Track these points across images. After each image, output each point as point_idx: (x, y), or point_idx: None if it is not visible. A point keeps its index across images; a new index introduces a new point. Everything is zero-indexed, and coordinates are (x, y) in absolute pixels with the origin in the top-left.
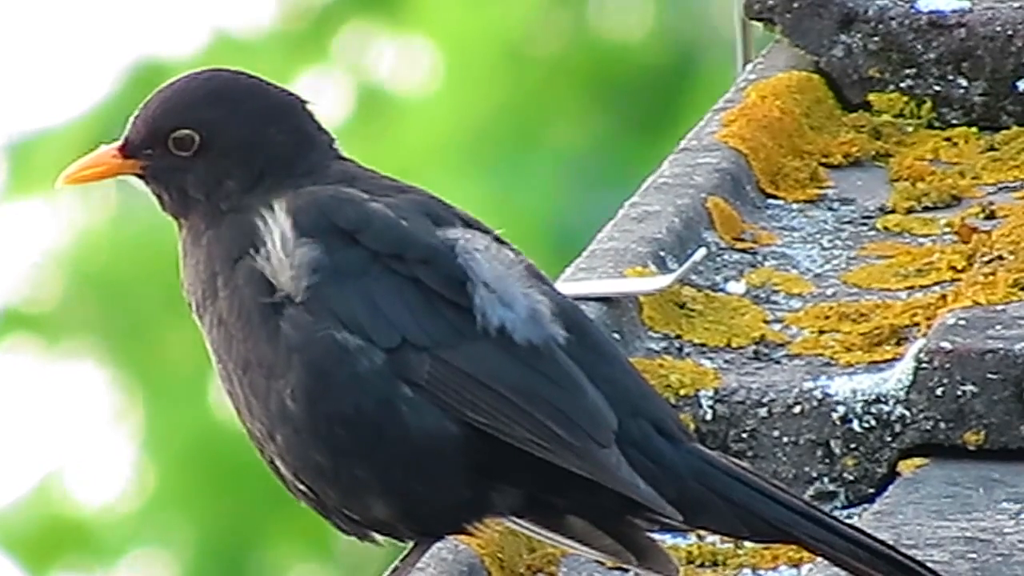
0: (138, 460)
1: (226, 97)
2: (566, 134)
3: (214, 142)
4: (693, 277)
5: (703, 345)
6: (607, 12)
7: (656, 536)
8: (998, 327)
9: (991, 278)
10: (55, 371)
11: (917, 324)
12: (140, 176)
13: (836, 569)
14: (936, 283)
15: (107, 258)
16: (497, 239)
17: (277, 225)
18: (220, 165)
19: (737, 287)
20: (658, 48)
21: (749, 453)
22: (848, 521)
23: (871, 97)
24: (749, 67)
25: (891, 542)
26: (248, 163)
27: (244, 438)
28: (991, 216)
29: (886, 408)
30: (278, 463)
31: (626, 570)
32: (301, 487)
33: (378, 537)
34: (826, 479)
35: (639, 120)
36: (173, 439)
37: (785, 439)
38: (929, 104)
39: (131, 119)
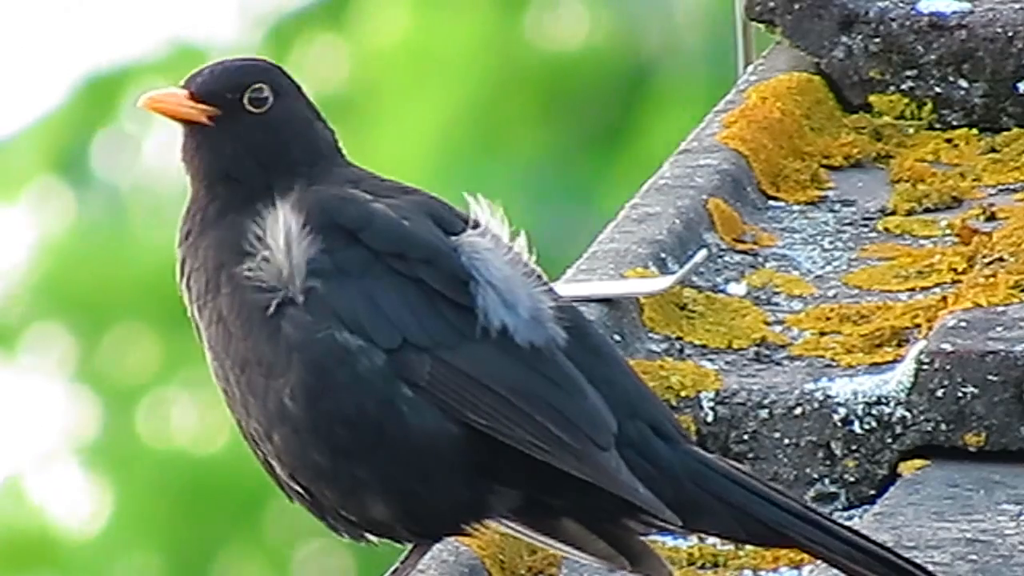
0: (99, 475)
1: (290, 77)
2: (524, 145)
3: (280, 108)
4: (694, 278)
5: (704, 346)
6: (564, 22)
7: (657, 538)
8: (999, 329)
9: (992, 280)
10: (16, 383)
11: (918, 326)
12: (204, 126)
13: (835, 571)
14: (937, 285)
15: (68, 270)
16: (500, 240)
17: (281, 223)
18: (286, 130)
19: (738, 288)
20: (615, 58)
21: (750, 455)
22: (845, 523)
23: (872, 98)
24: (750, 68)
25: (892, 543)
26: (309, 138)
27: (206, 454)
28: (992, 218)
29: (887, 409)
30: (273, 463)
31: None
32: (297, 487)
33: (372, 538)
34: (827, 480)
35: (596, 130)
36: (134, 454)
37: (786, 441)
38: (930, 105)
39: (188, 79)
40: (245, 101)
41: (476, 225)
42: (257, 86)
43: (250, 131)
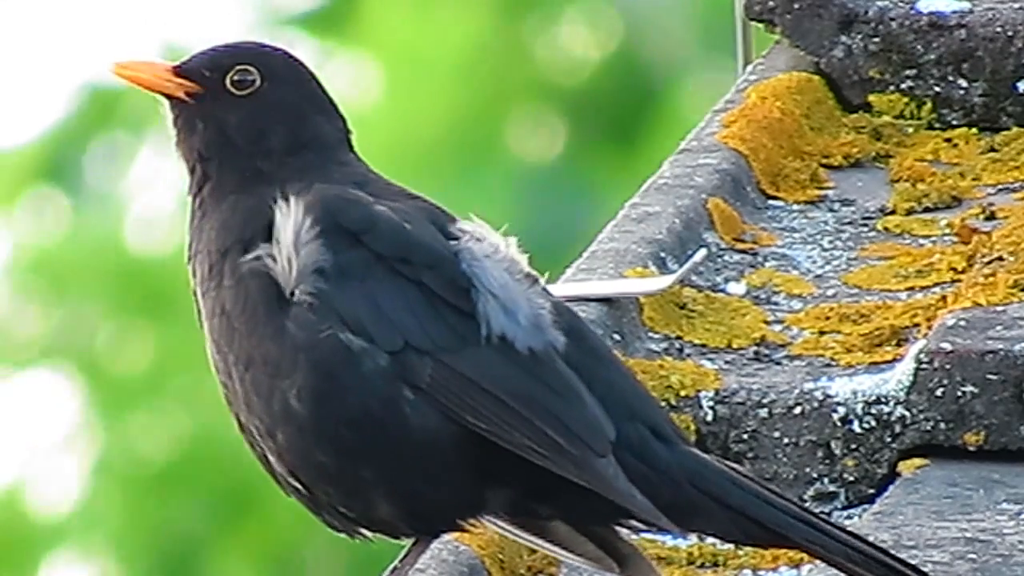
0: (91, 471)
1: (296, 67)
2: (519, 147)
3: (271, 93)
4: (694, 278)
5: (704, 346)
6: (560, 24)
7: (656, 537)
8: (998, 328)
9: (991, 279)
10: (9, 381)
11: (917, 325)
12: (178, 100)
13: (834, 571)
14: (936, 284)
15: (59, 270)
16: (498, 246)
17: (286, 220)
18: (269, 116)
19: (737, 288)
20: (612, 60)
21: (750, 454)
22: (842, 524)
23: (871, 98)
24: (749, 68)
25: (891, 543)
26: (295, 128)
27: (193, 450)
28: (991, 217)
29: (886, 409)
30: (272, 459)
31: None
32: (294, 483)
33: (368, 534)
34: (826, 480)
35: (592, 131)
36: (126, 450)
37: (786, 440)
38: (929, 105)
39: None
40: (227, 82)
41: (473, 233)
42: (242, 68)
43: (226, 112)
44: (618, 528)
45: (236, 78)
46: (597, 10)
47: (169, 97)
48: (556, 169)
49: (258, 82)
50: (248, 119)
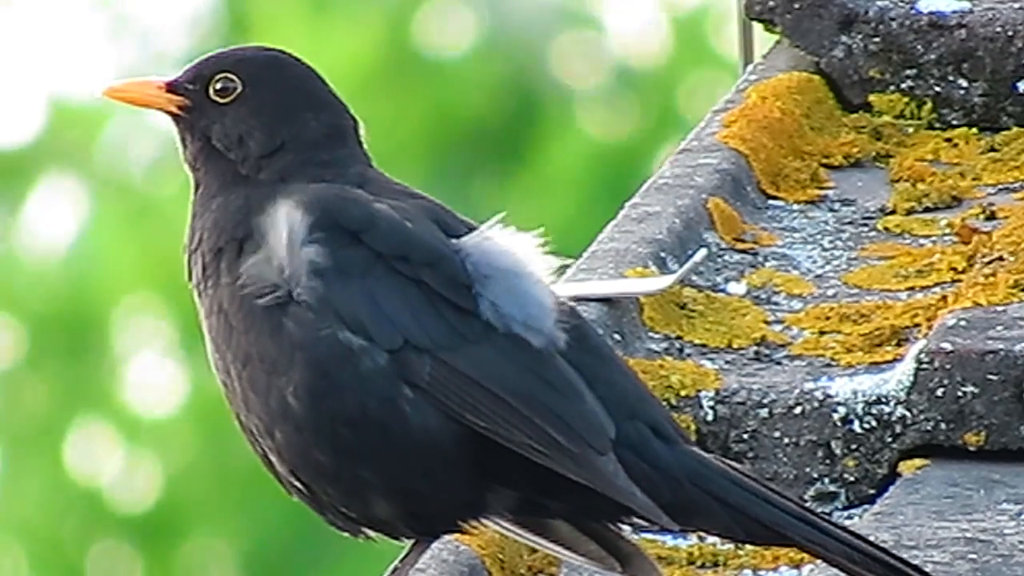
0: None
1: (281, 66)
2: (413, 165)
3: (251, 98)
4: (694, 278)
5: (704, 346)
6: (443, 58)
7: (656, 537)
8: (998, 328)
9: (991, 279)
10: None
11: (918, 325)
12: (173, 115)
13: (835, 570)
14: (936, 284)
15: None
16: (501, 244)
17: (283, 220)
18: (248, 122)
19: (738, 288)
20: (497, 90)
21: (750, 454)
22: (843, 523)
23: (871, 98)
24: (749, 68)
25: (891, 543)
26: (273, 129)
27: (100, 489)
28: (991, 217)
29: (887, 409)
30: (273, 458)
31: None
32: (296, 483)
33: (371, 534)
34: (827, 480)
35: (480, 162)
36: (29, 491)
37: (786, 440)
38: (929, 105)
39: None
40: (211, 91)
41: (477, 230)
42: (223, 76)
43: (211, 121)
44: (619, 527)
45: (218, 86)
46: (490, 30)
47: (166, 113)
48: (450, 188)
49: (239, 88)
50: (230, 125)
